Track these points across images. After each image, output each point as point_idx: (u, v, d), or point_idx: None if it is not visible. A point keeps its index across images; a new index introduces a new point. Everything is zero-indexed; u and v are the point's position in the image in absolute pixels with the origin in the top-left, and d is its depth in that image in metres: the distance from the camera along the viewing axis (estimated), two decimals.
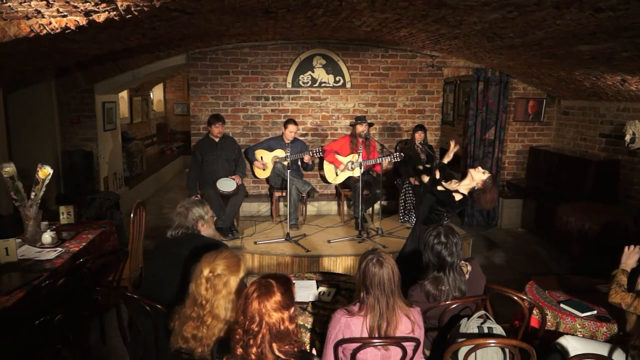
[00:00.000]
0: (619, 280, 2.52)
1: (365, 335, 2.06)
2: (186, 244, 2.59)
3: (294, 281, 2.97)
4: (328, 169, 5.82)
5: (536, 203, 6.11)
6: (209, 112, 5.90)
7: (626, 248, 2.64)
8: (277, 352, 1.67)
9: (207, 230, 2.75)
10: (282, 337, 1.69)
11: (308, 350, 1.73)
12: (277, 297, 1.70)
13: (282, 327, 1.69)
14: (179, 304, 2.12)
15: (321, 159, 5.94)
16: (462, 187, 3.25)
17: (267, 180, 5.87)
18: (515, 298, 2.66)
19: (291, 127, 5.48)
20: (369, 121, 5.70)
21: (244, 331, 1.70)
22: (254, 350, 1.66)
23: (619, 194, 5.38)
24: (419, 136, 5.67)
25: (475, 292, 2.60)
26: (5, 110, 4.87)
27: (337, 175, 5.78)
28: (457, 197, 3.20)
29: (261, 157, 5.68)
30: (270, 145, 5.69)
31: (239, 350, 1.69)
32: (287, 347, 1.70)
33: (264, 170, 5.68)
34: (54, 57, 4.42)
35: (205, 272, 1.99)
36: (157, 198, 8.03)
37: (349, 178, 5.71)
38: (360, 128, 5.50)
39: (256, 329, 1.67)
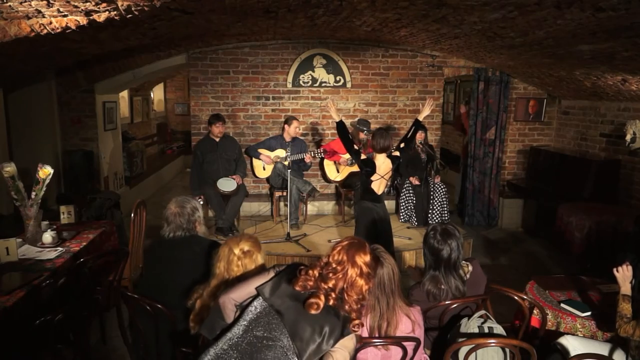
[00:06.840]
0: (620, 312, 2.39)
1: (366, 335, 2.06)
2: (187, 245, 2.58)
3: None
4: (329, 167, 5.82)
5: (537, 203, 6.10)
6: (210, 112, 5.90)
7: (615, 272, 2.47)
8: (331, 299, 1.80)
9: (200, 228, 2.75)
10: (353, 287, 1.83)
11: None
12: (367, 256, 1.89)
13: (356, 278, 1.83)
14: (198, 287, 2.26)
15: (321, 159, 5.94)
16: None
17: (268, 180, 5.86)
18: (516, 298, 2.66)
19: (295, 122, 5.50)
20: (371, 129, 5.67)
21: (321, 266, 1.87)
22: (329, 283, 1.82)
23: (619, 194, 5.38)
24: (419, 136, 5.65)
25: (476, 292, 2.60)
26: (5, 110, 4.86)
27: (338, 172, 5.77)
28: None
29: None
30: (270, 144, 5.68)
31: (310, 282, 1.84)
32: (354, 298, 1.83)
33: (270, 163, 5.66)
34: (54, 57, 4.43)
35: (236, 250, 2.17)
36: (157, 198, 8.02)
37: (351, 177, 5.70)
38: (362, 135, 5.48)
39: (339, 268, 1.83)
